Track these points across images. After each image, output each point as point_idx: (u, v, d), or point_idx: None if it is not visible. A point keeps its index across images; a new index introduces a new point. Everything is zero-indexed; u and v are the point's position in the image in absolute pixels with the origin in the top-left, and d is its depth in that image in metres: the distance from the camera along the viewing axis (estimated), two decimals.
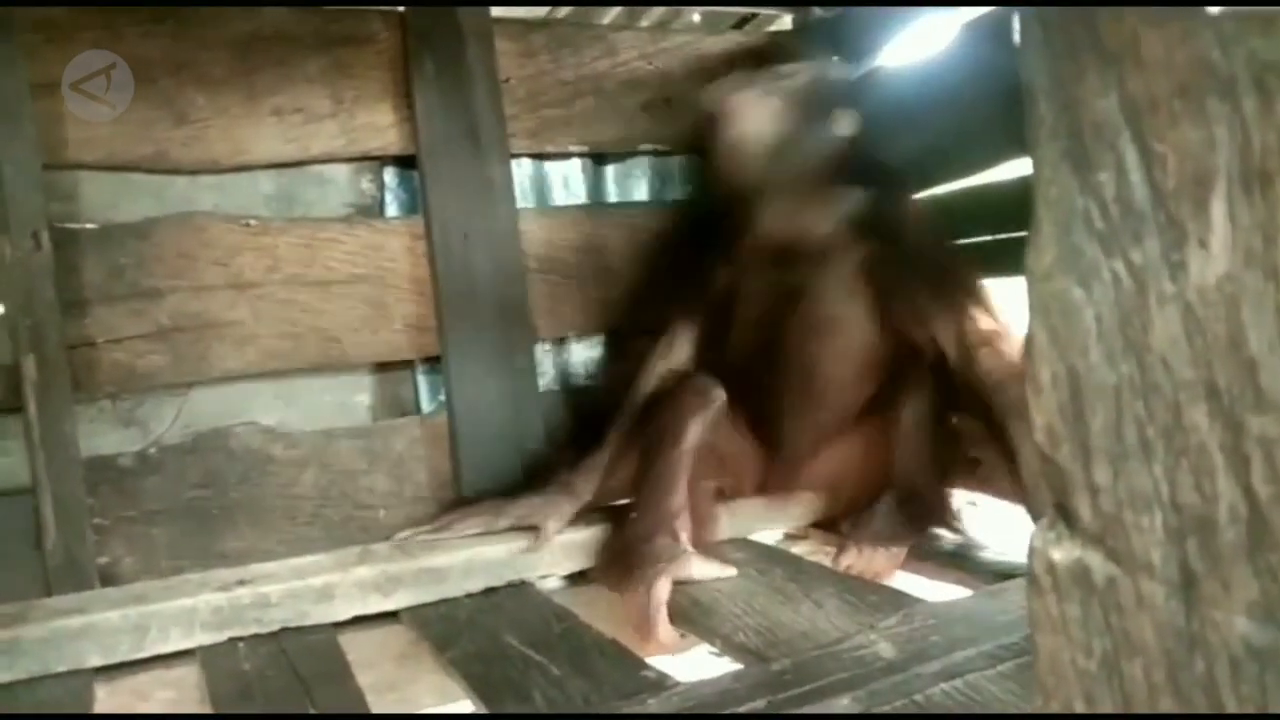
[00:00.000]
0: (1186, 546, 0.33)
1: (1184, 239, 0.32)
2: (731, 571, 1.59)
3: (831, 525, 1.88)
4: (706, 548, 1.63)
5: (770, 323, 1.74)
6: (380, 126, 1.93)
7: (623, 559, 1.57)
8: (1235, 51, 0.28)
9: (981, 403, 1.62)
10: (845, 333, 1.76)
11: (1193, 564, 0.33)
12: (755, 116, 1.68)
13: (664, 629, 1.45)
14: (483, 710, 1.24)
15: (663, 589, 1.49)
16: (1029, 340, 0.39)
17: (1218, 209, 0.30)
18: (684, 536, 1.58)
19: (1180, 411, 0.33)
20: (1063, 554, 0.38)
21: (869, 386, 1.79)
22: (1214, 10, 0.28)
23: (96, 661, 1.40)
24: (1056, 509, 0.38)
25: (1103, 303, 0.35)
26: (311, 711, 1.24)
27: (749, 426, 1.81)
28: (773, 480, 1.85)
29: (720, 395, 1.67)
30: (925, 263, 1.72)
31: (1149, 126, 0.32)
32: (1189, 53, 0.30)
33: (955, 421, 1.75)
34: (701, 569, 1.57)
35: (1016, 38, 0.39)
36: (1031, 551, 0.40)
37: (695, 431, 1.63)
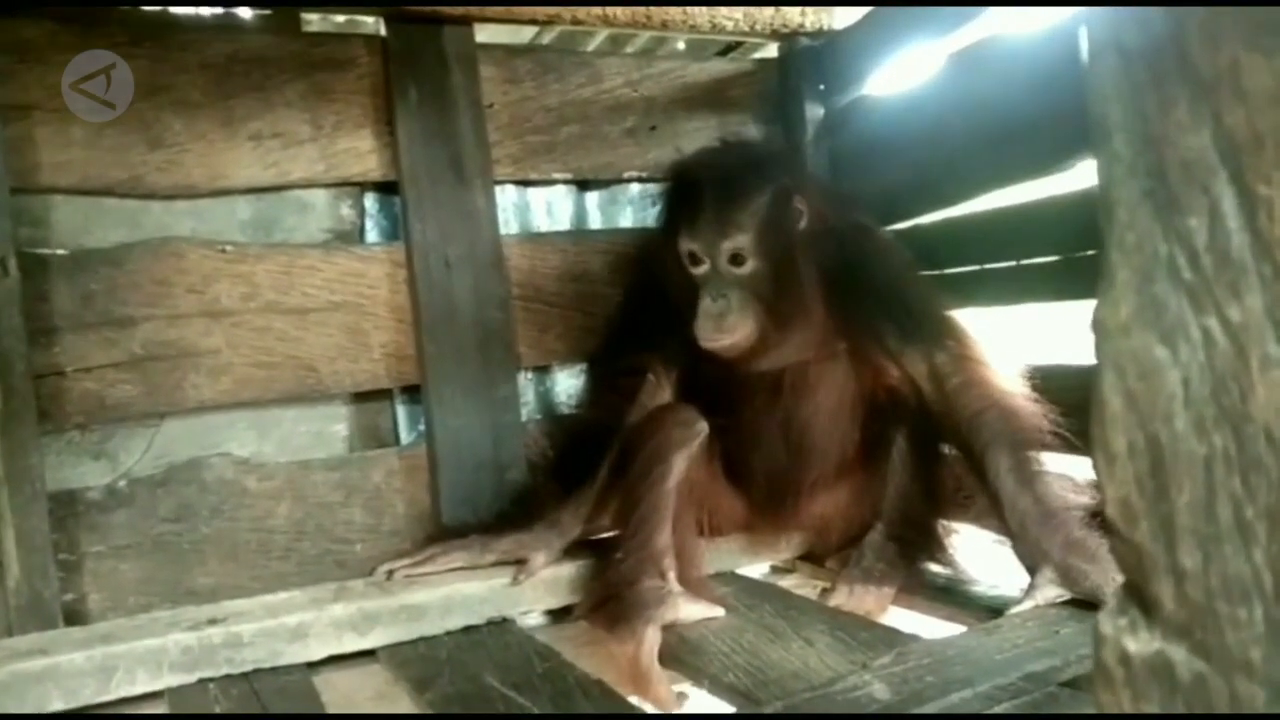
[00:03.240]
0: None
1: None
2: (719, 612, 1.55)
3: (820, 557, 1.85)
4: (693, 584, 1.59)
5: (746, 374, 1.69)
6: (361, 152, 1.90)
7: (610, 602, 1.53)
8: None
9: (960, 436, 1.59)
10: (823, 384, 1.71)
11: None
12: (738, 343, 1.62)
13: (659, 686, 1.41)
14: None
15: (653, 639, 1.45)
16: (1100, 403, 0.35)
17: None
18: (671, 576, 1.54)
19: None
20: (1139, 645, 0.34)
21: (853, 431, 1.74)
22: None
23: (59, 706, 1.34)
24: (1130, 592, 0.35)
25: (1191, 364, 0.32)
26: None
27: (725, 469, 1.76)
28: (757, 525, 1.81)
29: (703, 427, 1.63)
30: (892, 301, 1.67)
31: (1251, 166, 0.29)
32: None
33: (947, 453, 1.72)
34: (689, 610, 1.53)
35: (1084, 55, 0.36)
36: (1099, 639, 0.36)
37: (680, 466, 1.59)
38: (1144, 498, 0.34)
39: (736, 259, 1.61)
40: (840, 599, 1.61)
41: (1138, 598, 0.35)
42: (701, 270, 1.63)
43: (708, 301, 1.60)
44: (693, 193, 1.63)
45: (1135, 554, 0.35)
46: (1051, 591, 1.41)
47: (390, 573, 1.62)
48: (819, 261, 1.66)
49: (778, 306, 1.62)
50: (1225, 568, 0.32)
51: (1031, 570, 1.45)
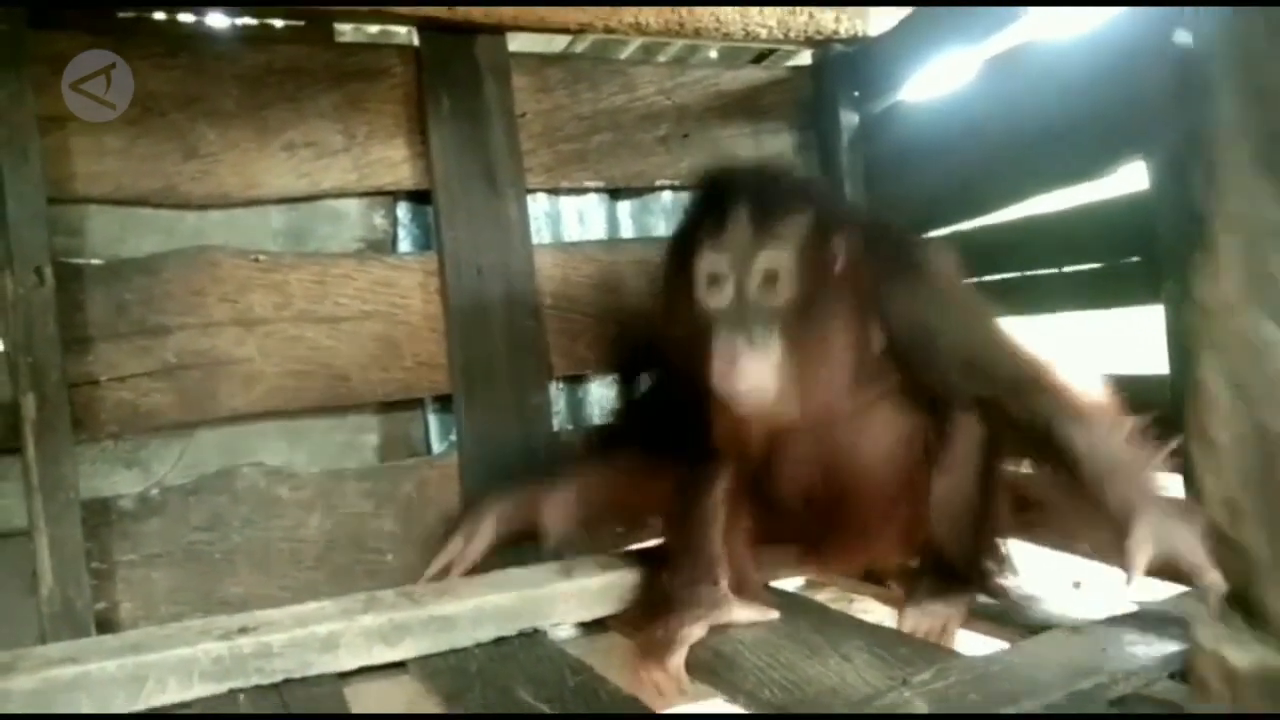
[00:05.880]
0: None
1: None
2: (774, 614, 1.52)
3: (879, 576, 1.79)
4: (746, 591, 1.56)
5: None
6: (394, 161, 1.90)
7: (660, 607, 1.51)
8: None
9: (1037, 448, 1.45)
10: (871, 429, 1.53)
11: None
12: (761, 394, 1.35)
13: (677, 660, 1.40)
14: None
15: (694, 632, 1.44)
16: (1199, 389, 0.33)
17: None
18: (724, 583, 1.52)
19: None
20: (1244, 656, 0.31)
21: (905, 466, 1.56)
22: None
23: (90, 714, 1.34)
24: (1234, 599, 0.32)
25: None
26: None
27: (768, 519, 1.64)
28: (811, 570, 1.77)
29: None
30: (952, 350, 1.47)
31: None
32: None
33: (1004, 472, 1.58)
34: (742, 613, 1.51)
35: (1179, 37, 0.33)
36: (1195, 651, 0.33)
37: (728, 477, 1.55)
38: (1252, 494, 0.31)
39: (770, 281, 1.35)
40: (913, 621, 1.54)
41: (1243, 605, 0.32)
42: (722, 300, 1.36)
43: (725, 334, 1.32)
44: (720, 203, 1.38)
45: (1240, 557, 0.32)
46: (1147, 548, 1.13)
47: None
48: (864, 304, 1.45)
49: (811, 357, 1.37)
50: None
51: (1123, 521, 1.22)
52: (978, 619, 1.56)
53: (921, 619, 1.54)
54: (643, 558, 1.70)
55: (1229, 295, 0.31)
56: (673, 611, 1.47)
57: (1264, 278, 0.30)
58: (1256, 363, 0.30)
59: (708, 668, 1.42)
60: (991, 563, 1.61)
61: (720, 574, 1.52)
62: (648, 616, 1.53)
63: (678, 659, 1.41)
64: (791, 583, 1.85)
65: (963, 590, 1.58)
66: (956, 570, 1.58)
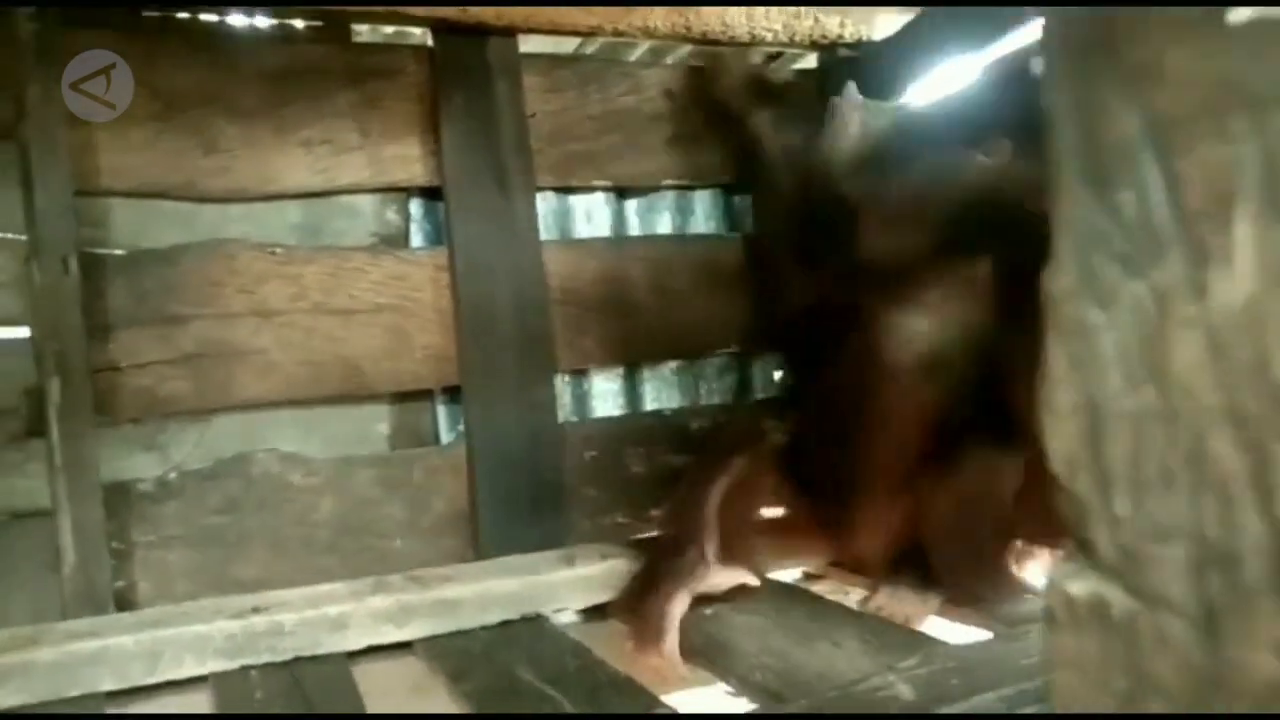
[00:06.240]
0: (1209, 581, 0.32)
1: (1207, 259, 0.31)
2: (755, 581, 1.56)
3: (857, 566, 1.84)
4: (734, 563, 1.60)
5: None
6: (407, 158, 1.95)
7: (646, 576, 1.55)
8: (1262, 67, 0.27)
9: None
10: (930, 374, 1.49)
11: (1215, 599, 0.32)
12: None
13: (670, 643, 1.43)
14: None
15: (679, 604, 1.48)
16: (1047, 366, 0.38)
17: (1242, 229, 0.29)
18: (709, 552, 1.56)
19: (1203, 440, 0.31)
20: (1081, 587, 0.37)
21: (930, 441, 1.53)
22: (1239, 18, 0.27)
23: (109, 686, 1.40)
24: (1075, 541, 0.37)
25: (1123, 326, 0.34)
26: None
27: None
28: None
29: (775, 436, 1.61)
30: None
31: (1172, 145, 0.31)
32: (1215, 69, 0.29)
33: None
34: (722, 577, 1.55)
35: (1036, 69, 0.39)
36: (1050, 585, 0.39)
37: (738, 464, 1.59)
38: (1084, 452, 0.37)
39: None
40: (881, 600, 1.58)
41: (1080, 545, 0.37)
42: None
43: None
44: None
45: (1077, 505, 0.37)
46: None
47: None
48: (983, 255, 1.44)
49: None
50: (1152, 513, 0.34)
51: None
52: (962, 610, 1.60)
53: (888, 603, 1.58)
54: (643, 546, 1.74)
55: (1065, 286, 0.37)
56: (658, 589, 1.52)
57: (1090, 272, 0.36)
58: (1086, 343, 0.35)
59: (701, 652, 1.47)
60: (992, 585, 1.58)
61: (706, 541, 1.55)
62: (637, 599, 1.57)
63: (671, 641, 1.46)
64: (789, 574, 1.89)
65: (937, 589, 1.61)
66: (938, 576, 1.60)
